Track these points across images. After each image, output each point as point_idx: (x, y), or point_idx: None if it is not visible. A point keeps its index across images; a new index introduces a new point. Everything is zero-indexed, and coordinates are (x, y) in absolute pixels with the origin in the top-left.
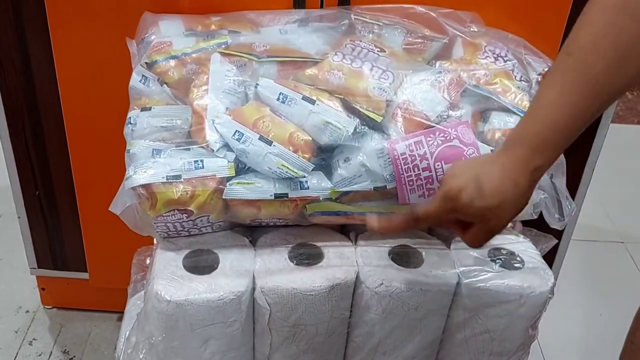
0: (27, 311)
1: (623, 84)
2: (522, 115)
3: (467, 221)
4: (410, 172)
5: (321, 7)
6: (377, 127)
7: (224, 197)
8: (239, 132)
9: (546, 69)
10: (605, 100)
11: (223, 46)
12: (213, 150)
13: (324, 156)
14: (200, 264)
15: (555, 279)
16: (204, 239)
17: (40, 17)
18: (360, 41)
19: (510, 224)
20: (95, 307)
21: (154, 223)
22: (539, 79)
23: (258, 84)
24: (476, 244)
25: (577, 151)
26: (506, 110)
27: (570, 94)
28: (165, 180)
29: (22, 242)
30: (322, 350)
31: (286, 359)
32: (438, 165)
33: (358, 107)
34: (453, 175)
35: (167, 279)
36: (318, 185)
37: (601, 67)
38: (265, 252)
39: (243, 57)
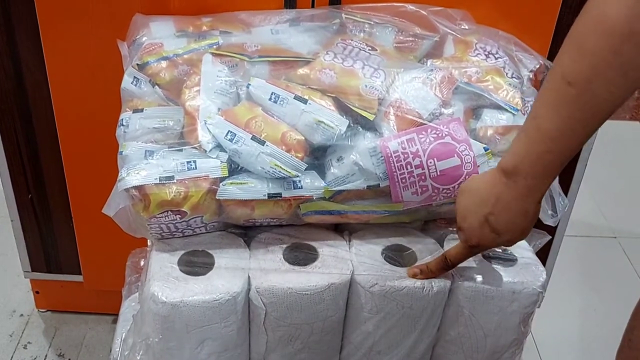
0: (22, 315)
1: (621, 103)
2: (513, 112)
3: None
4: (403, 169)
5: (312, 6)
6: (369, 125)
7: (217, 197)
8: (231, 132)
9: (537, 66)
10: (604, 119)
11: (214, 47)
12: (206, 151)
13: (317, 155)
14: (196, 265)
15: (549, 275)
16: (199, 240)
17: (30, 20)
18: (352, 40)
19: None
20: (89, 310)
21: (148, 224)
22: (531, 76)
23: (250, 84)
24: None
25: None
26: (498, 107)
27: (576, 123)
28: (158, 182)
29: (15, 246)
30: (318, 349)
31: (282, 358)
32: (431, 163)
33: (350, 106)
34: (463, 218)
35: (163, 280)
36: (311, 184)
37: (606, 95)
38: (259, 252)
39: (235, 57)
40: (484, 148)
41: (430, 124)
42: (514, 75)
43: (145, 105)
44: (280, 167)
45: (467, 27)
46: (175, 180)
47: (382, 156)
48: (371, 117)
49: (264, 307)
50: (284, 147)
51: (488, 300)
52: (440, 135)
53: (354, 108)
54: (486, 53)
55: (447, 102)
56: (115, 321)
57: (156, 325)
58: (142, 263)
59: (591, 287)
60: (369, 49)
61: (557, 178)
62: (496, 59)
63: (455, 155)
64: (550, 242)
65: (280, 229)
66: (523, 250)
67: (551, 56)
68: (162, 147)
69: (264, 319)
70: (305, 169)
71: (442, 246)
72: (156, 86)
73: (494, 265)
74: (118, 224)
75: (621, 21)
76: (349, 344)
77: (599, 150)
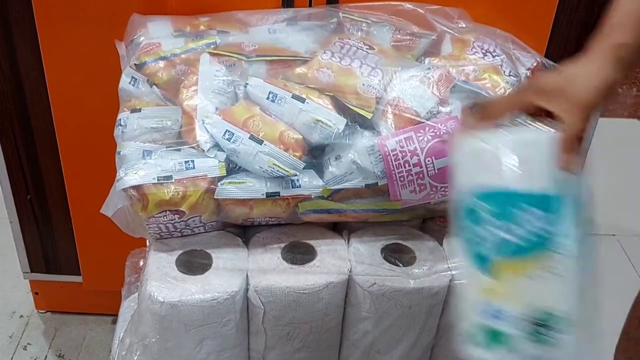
0: (21, 316)
1: None
2: None
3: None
4: (401, 168)
5: (310, 5)
6: (367, 124)
7: (215, 197)
8: (229, 131)
9: (535, 64)
10: None
11: (212, 46)
12: (204, 151)
13: (315, 154)
14: (194, 264)
15: None
16: (197, 240)
17: (28, 21)
18: (349, 39)
19: None
20: (89, 311)
21: (146, 224)
22: (528, 74)
23: (247, 84)
24: (567, 145)
25: None
26: None
27: None
28: (156, 181)
29: (14, 247)
30: (317, 348)
31: (281, 357)
32: (429, 161)
33: (348, 105)
34: None
35: (161, 280)
36: (309, 183)
37: None
38: (258, 252)
39: (232, 56)
40: None
41: (428, 122)
42: (511, 74)
43: (143, 105)
44: (279, 166)
45: (464, 26)
46: (173, 180)
47: (380, 155)
48: (369, 115)
49: (262, 306)
50: (282, 146)
51: None
52: (438, 133)
53: (351, 107)
54: (483, 51)
55: (444, 100)
56: (115, 321)
57: (154, 325)
58: (141, 263)
59: None
60: (366, 48)
61: None
62: (493, 57)
63: None
64: None
65: (279, 228)
66: None
67: (548, 54)
68: (160, 147)
69: (263, 318)
70: (304, 168)
71: (440, 244)
72: (154, 86)
73: None
74: (116, 224)
75: None
76: (348, 342)
77: (597, 148)
